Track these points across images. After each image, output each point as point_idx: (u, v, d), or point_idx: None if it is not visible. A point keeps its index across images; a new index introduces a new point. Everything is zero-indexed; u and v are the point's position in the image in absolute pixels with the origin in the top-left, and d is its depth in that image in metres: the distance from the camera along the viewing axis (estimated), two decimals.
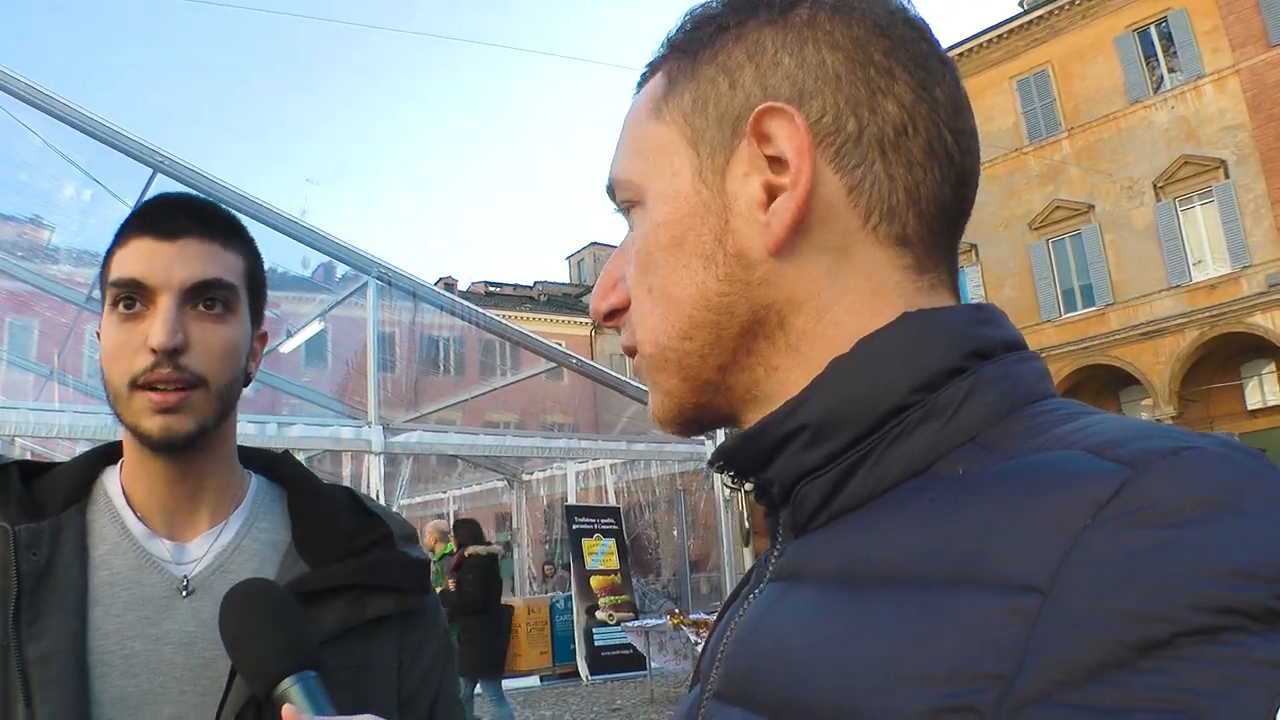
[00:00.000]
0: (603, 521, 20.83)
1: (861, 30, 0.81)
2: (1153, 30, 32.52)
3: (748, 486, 0.87)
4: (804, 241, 0.79)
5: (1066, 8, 33.84)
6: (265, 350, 1.70)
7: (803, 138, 0.78)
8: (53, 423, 12.30)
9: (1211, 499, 0.56)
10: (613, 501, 22.37)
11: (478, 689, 11.84)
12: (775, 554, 0.84)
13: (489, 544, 12.46)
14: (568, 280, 67.32)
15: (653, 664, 16.75)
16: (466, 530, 12.43)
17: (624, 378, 18.22)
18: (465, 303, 16.49)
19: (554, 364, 17.60)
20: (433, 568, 1.92)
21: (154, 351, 1.46)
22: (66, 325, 16.95)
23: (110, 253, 1.55)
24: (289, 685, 1.24)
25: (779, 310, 0.80)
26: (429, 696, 1.63)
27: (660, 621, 16.47)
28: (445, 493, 26.82)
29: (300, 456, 2.15)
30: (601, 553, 20.40)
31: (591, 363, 19.38)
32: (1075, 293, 33.66)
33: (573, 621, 20.20)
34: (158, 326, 1.46)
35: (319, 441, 14.57)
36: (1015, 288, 34.42)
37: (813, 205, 0.78)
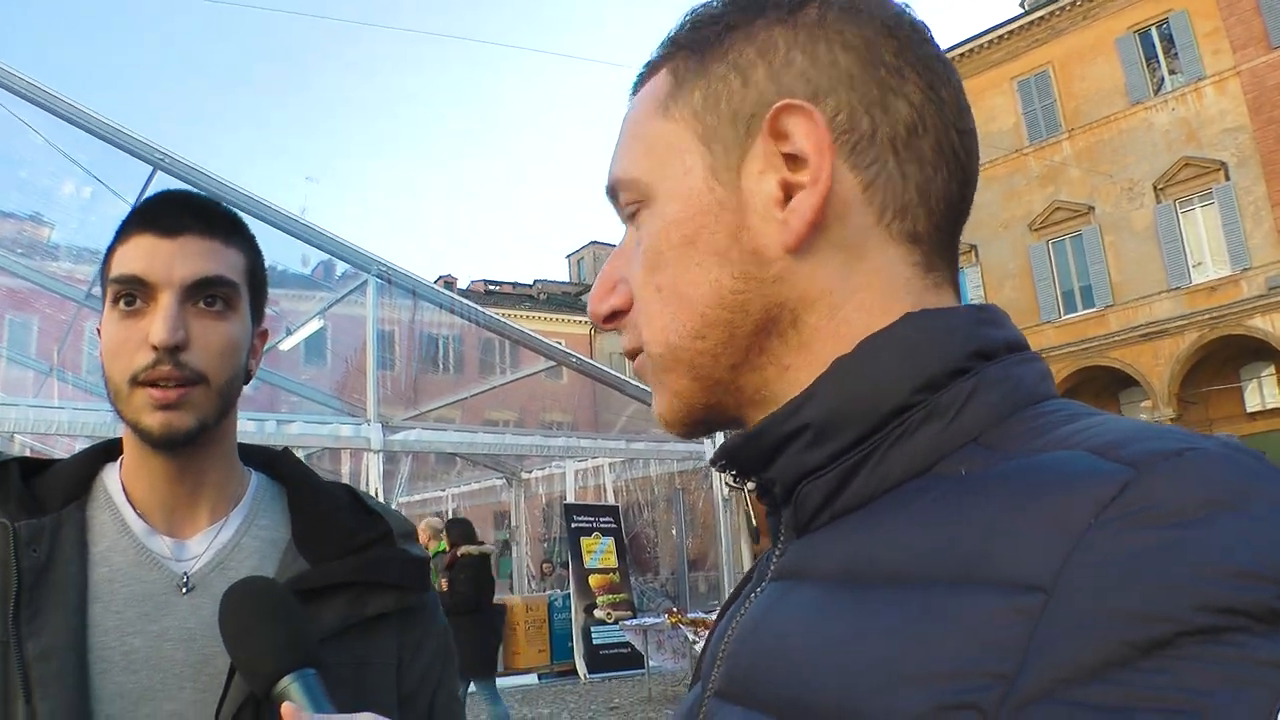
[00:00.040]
0: (601, 520, 20.83)
1: (871, 31, 0.81)
2: (1154, 31, 32.51)
3: (750, 486, 0.87)
4: (820, 238, 0.79)
5: (1067, 9, 33.83)
6: (265, 348, 1.70)
7: (822, 135, 0.78)
8: (52, 419, 12.31)
9: (1214, 500, 0.56)
10: (611, 500, 22.37)
11: (471, 689, 11.83)
12: (777, 553, 0.84)
13: (481, 544, 12.45)
14: (567, 279, 67.34)
15: (651, 662, 16.76)
16: (459, 530, 12.42)
17: (623, 376, 18.22)
18: (465, 301, 16.49)
19: (553, 362, 17.59)
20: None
21: (155, 348, 1.46)
22: (66, 322, 16.95)
23: (111, 249, 1.55)
24: (288, 683, 1.23)
25: (793, 308, 0.80)
26: (428, 694, 1.63)
27: (658, 620, 16.48)
28: (444, 491, 26.81)
29: (299, 454, 2.17)
30: (600, 551, 20.40)
31: (591, 361, 19.38)
32: (1075, 294, 33.66)
33: (571, 620, 20.19)
34: (159, 323, 1.46)
35: (318, 439, 14.58)
36: (1015, 289, 34.42)
37: (830, 202, 0.78)
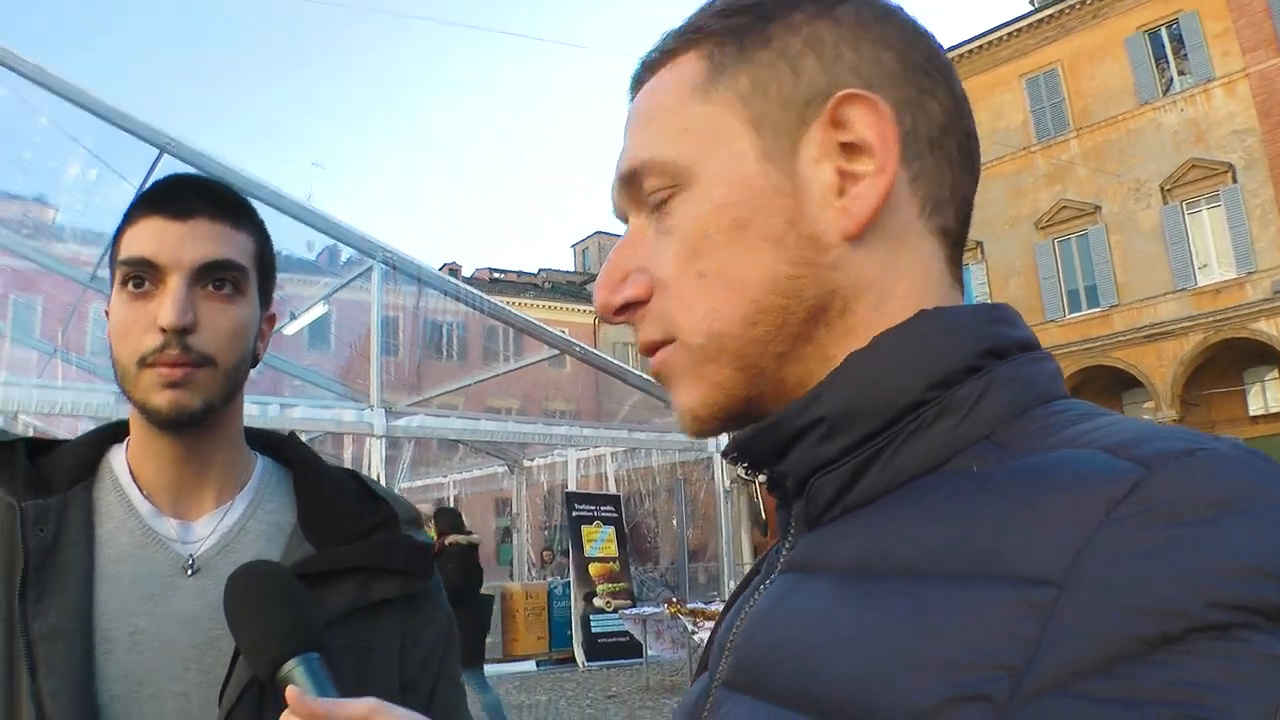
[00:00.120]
0: (602, 509, 20.88)
1: (905, 34, 0.84)
2: (1163, 32, 32.39)
3: (761, 478, 0.87)
4: (874, 228, 0.80)
5: (1077, 7, 33.72)
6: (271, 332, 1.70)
7: (887, 125, 0.79)
8: (55, 400, 12.32)
9: (1224, 499, 0.56)
10: (613, 489, 22.42)
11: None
12: (787, 546, 0.84)
13: (469, 533, 12.44)
14: (572, 268, 67.29)
15: (649, 652, 16.81)
16: (447, 519, 12.40)
17: (626, 366, 18.25)
18: (469, 288, 16.50)
19: (557, 351, 17.64)
20: None
21: (163, 330, 1.46)
22: (70, 304, 16.97)
23: (120, 232, 1.55)
24: (292, 667, 1.23)
25: (845, 295, 0.80)
26: (430, 679, 1.63)
27: (658, 610, 16.51)
28: (446, 477, 26.87)
29: (301, 438, 2.16)
30: (601, 540, 20.44)
31: (594, 350, 19.42)
32: (1080, 293, 33.59)
33: (570, 607, 20.24)
34: (167, 306, 1.47)
35: (321, 424, 14.60)
36: (1020, 286, 34.35)
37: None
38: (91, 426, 1.72)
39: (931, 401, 0.74)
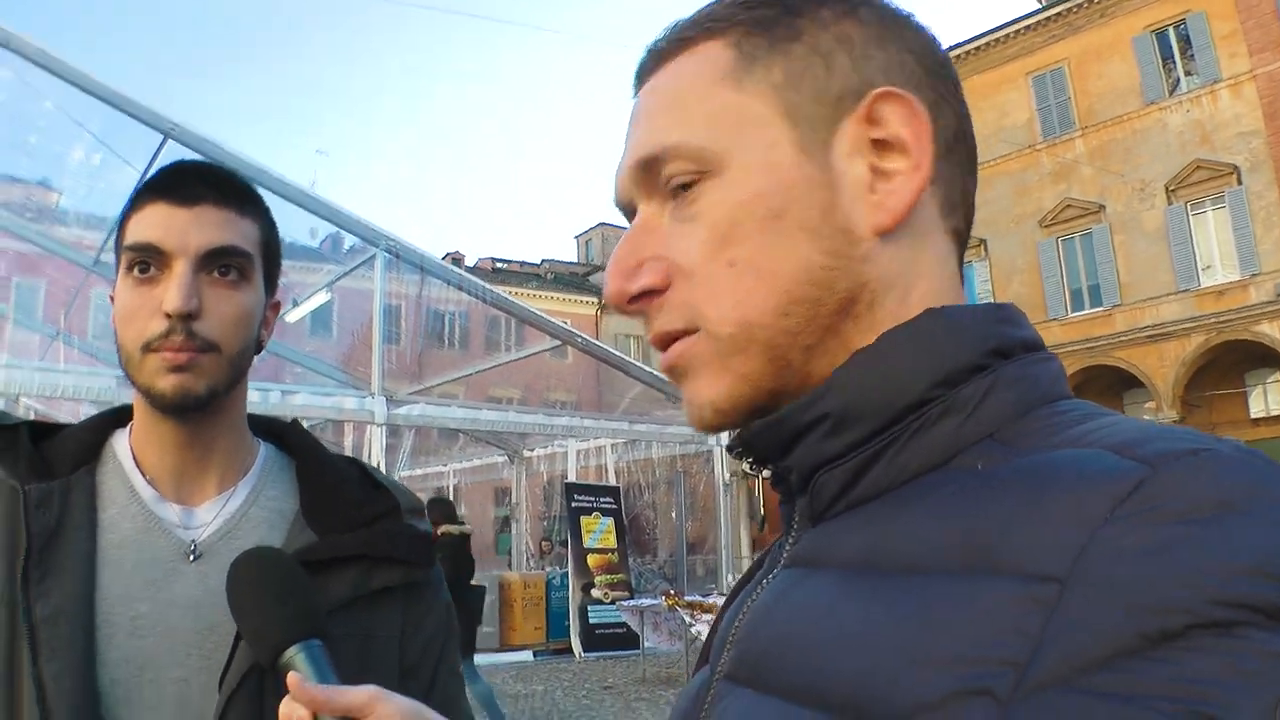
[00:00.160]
0: (602, 500, 20.90)
1: (921, 39, 0.86)
2: (1171, 32, 32.28)
3: (765, 473, 0.87)
4: (903, 224, 0.81)
5: (1085, 6, 33.60)
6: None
7: (923, 124, 0.80)
8: (57, 383, 12.36)
9: (1226, 500, 0.57)
10: (613, 481, 22.46)
11: None
12: (790, 541, 0.85)
13: (462, 523, 12.44)
14: (575, 259, 67.23)
15: (646, 643, 16.83)
16: (440, 509, 12.36)
17: (628, 358, 18.28)
18: (472, 278, 16.53)
19: (559, 342, 17.66)
20: None
21: (168, 316, 1.46)
22: (73, 288, 17.00)
23: (126, 217, 1.55)
24: (294, 653, 1.23)
25: (873, 289, 0.80)
26: (430, 667, 1.64)
27: (655, 602, 16.54)
28: (446, 466, 26.92)
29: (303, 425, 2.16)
30: (599, 531, 20.46)
31: (596, 342, 19.45)
32: (1083, 292, 33.51)
33: (568, 598, 20.26)
34: (172, 291, 1.47)
35: (322, 411, 14.63)
36: (1023, 284, 34.29)
37: None
38: (93, 410, 1.72)
39: (936, 400, 0.75)
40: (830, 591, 0.74)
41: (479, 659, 12.10)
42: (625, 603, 18.14)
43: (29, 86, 12.13)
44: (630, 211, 0.90)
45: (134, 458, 1.58)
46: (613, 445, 22.36)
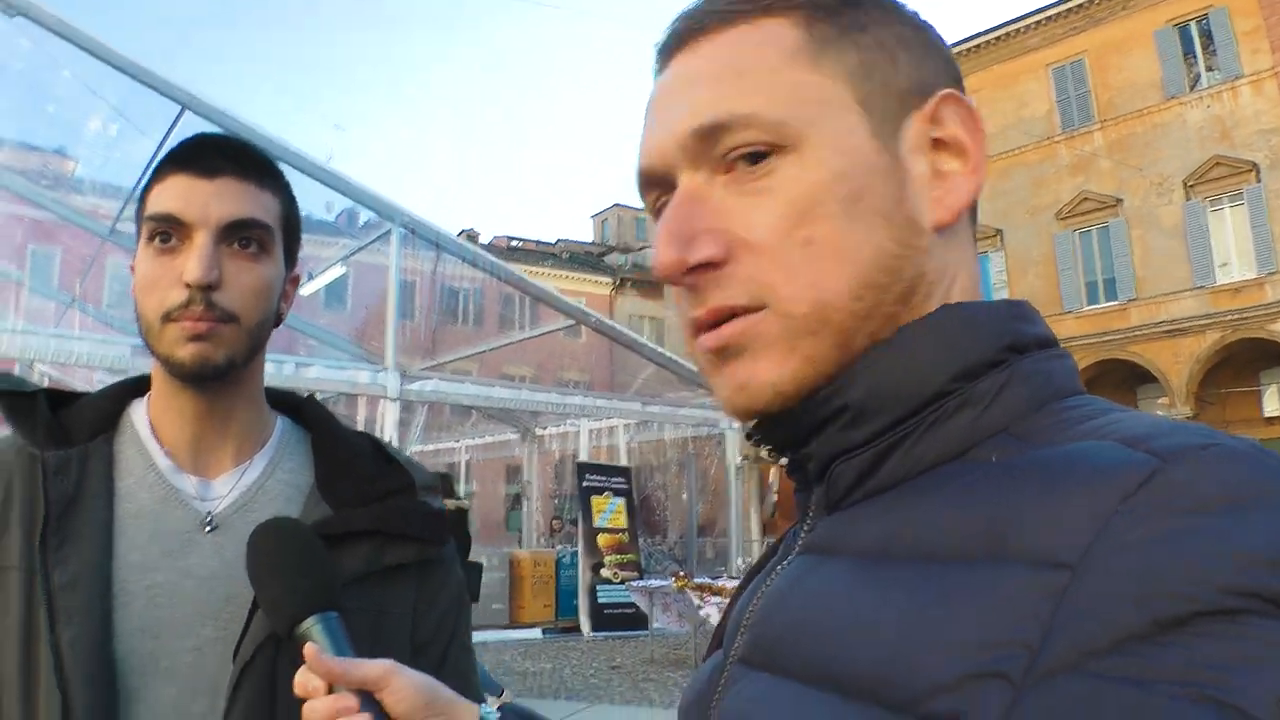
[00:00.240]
0: (613, 480, 20.92)
1: (949, 52, 0.89)
2: (1193, 27, 32.06)
3: (782, 461, 0.88)
4: (955, 222, 0.84)
5: None
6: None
7: (979, 129, 0.83)
8: (71, 350, 12.41)
9: (1235, 493, 0.59)
10: (624, 461, 22.50)
11: None
12: (805, 529, 0.86)
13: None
14: (590, 239, 67.17)
15: (654, 624, 16.85)
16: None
17: (641, 339, 18.27)
18: (487, 255, 16.53)
19: (573, 321, 17.68)
20: None
21: (188, 286, 1.47)
22: (89, 256, 17.04)
23: (147, 188, 1.56)
24: (311, 624, 1.24)
25: (929, 281, 0.82)
26: (442, 644, 1.64)
27: (665, 583, 16.53)
28: (458, 442, 26.97)
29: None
30: (610, 511, 20.49)
31: (610, 322, 19.47)
32: (1098, 286, 33.35)
33: (577, 577, 20.32)
34: (193, 262, 1.47)
35: (336, 384, 14.67)
36: (1039, 276, 34.17)
37: None
38: (107, 378, 1.73)
39: (953, 393, 0.76)
40: (846, 578, 0.75)
41: (486, 635, 12.12)
42: (634, 583, 18.15)
43: (47, 55, 12.18)
44: (659, 180, 0.88)
45: (151, 428, 1.59)
46: (625, 425, 22.41)
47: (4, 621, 1.40)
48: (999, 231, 34.81)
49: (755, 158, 0.81)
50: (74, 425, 1.55)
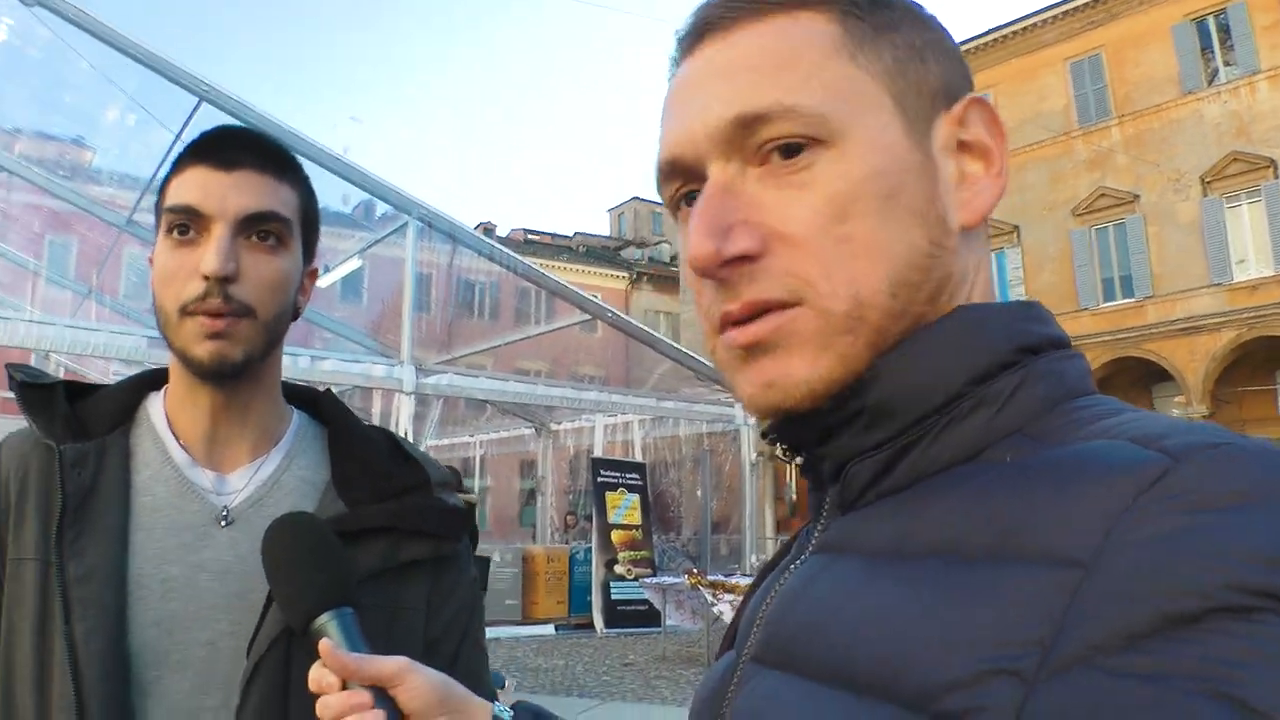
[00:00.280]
0: (628, 476, 20.94)
1: (962, 57, 0.89)
2: (1211, 21, 31.92)
3: (797, 460, 0.89)
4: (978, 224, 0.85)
5: None
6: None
7: (1002, 134, 0.84)
8: (88, 341, 12.42)
9: (1246, 492, 0.59)
10: (639, 457, 22.50)
11: None
12: (819, 528, 0.86)
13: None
14: (607, 233, 67.22)
15: (668, 621, 16.86)
16: None
17: (657, 334, 18.27)
18: (503, 249, 16.56)
19: (588, 315, 17.69)
20: None
21: (205, 278, 1.47)
22: (106, 247, 17.10)
23: (166, 180, 1.57)
24: (327, 620, 1.24)
25: (955, 281, 0.82)
26: (454, 641, 1.64)
27: (678, 580, 16.54)
28: (473, 436, 27.00)
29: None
30: (624, 507, 20.50)
31: (626, 317, 19.46)
32: (1115, 282, 33.22)
33: (591, 573, 20.32)
34: (211, 254, 1.47)
35: (351, 377, 14.70)
36: (1055, 273, 34.09)
37: None
38: (123, 369, 1.74)
39: (968, 394, 0.77)
40: (859, 577, 0.76)
41: (499, 631, 12.13)
42: (648, 580, 18.18)
43: (66, 46, 12.22)
44: (685, 170, 0.86)
45: (168, 421, 1.60)
46: (640, 421, 22.42)
47: (19, 613, 1.41)
48: (1016, 228, 34.73)
49: (790, 150, 0.80)
50: (91, 418, 1.56)
